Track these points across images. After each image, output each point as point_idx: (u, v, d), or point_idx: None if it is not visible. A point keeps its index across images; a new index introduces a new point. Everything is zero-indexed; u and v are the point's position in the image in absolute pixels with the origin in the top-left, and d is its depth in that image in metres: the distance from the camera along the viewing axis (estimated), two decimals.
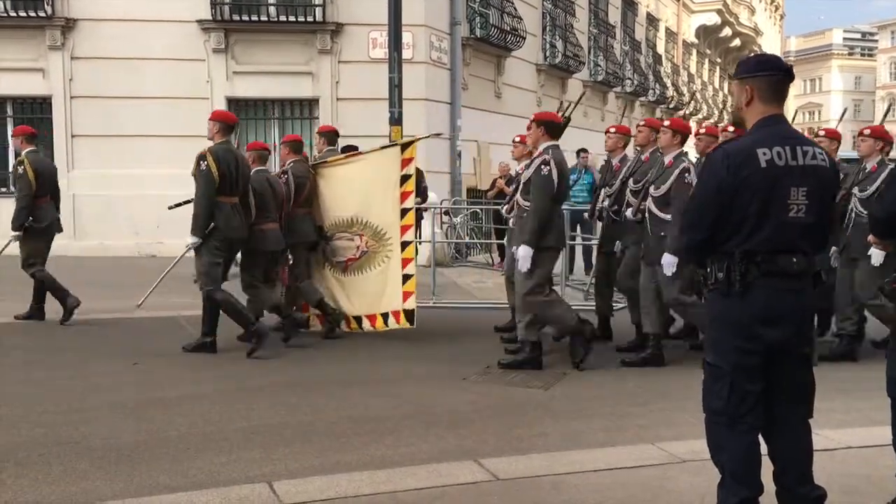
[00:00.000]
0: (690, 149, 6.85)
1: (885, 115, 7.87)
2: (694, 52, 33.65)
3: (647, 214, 6.24)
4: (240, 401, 5.14)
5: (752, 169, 2.81)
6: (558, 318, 6.12)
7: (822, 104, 73.07)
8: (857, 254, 6.27)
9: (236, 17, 13.36)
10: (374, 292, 7.16)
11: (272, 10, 13.53)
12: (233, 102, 13.53)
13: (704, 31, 33.39)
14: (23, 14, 13.15)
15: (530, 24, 17.08)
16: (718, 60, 37.72)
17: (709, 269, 2.94)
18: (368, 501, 3.51)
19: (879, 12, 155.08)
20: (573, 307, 7.46)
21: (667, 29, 29.83)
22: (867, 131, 6.65)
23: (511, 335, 6.74)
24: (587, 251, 10.66)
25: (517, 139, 7.51)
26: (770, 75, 2.94)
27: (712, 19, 32.62)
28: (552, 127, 6.11)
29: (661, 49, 28.62)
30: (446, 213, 12.87)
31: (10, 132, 11.67)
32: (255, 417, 4.79)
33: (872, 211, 3.39)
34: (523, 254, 5.87)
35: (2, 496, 3.55)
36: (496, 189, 12.60)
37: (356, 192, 7.28)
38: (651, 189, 6.19)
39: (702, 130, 7.18)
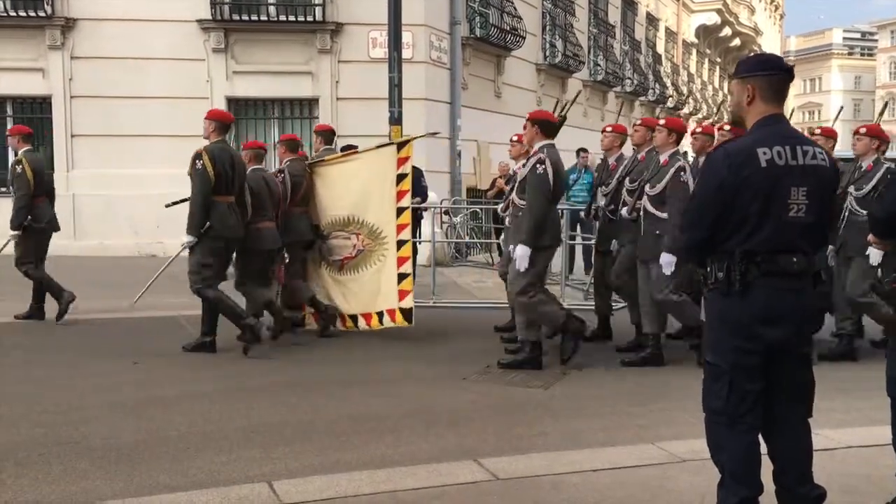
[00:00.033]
0: (686, 148, 6.87)
1: (881, 114, 7.87)
2: (694, 51, 33.65)
3: (642, 213, 6.25)
4: (240, 400, 5.14)
5: (753, 168, 2.81)
6: (546, 315, 6.10)
7: (822, 104, 73.05)
8: (852, 252, 6.27)
9: (236, 17, 13.35)
10: (370, 291, 7.17)
11: (272, 9, 13.52)
12: (233, 102, 13.52)
13: (704, 31, 33.39)
14: (22, 14, 13.14)
15: (530, 23, 17.07)
16: (718, 60, 37.72)
17: (709, 269, 2.94)
18: (368, 501, 3.51)
19: (879, 12, 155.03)
20: (573, 307, 7.47)
21: (666, 28, 29.83)
22: (863, 130, 6.64)
23: (511, 335, 6.74)
24: (587, 251, 10.65)
25: (515, 138, 7.51)
26: (772, 74, 2.94)
27: (712, 19, 32.62)
28: (547, 126, 6.11)
29: (660, 49, 28.62)
30: (446, 212, 12.86)
31: None
32: (255, 417, 4.80)
33: (872, 211, 3.39)
34: (521, 253, 5.87)
35: (2, 496, 3.55)
36: (496, 189, 12.60)
37: (352, 190, 7.28)
38: (647, 188, 6.19)
39: (698, 129, 7.19)
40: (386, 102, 10.67)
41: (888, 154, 6.98)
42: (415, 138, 7.71)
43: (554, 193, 6.02)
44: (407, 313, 6.97)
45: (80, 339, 7.04)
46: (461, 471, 3.86)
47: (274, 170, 7.67)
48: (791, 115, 8.47)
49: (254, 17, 13.45)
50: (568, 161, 12.48)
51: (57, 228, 7.83)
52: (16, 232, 7.45)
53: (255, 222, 6.75)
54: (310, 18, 13.41)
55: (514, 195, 6.22)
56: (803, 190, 2.84)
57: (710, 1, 32.29)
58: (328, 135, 8.10)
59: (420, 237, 9.98)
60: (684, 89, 30.08)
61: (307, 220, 7.36)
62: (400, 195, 7.04)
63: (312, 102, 13.71)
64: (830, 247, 6.43)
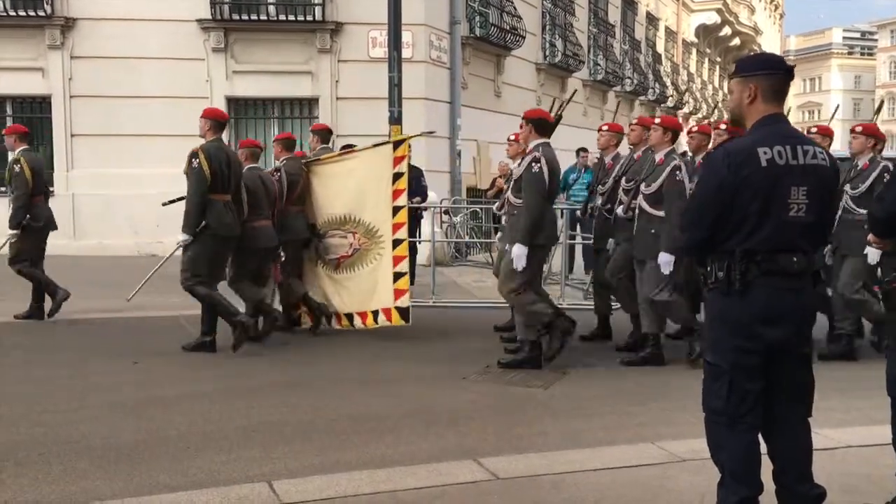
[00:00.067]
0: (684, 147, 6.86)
1: (878, 113, 7.86)
2: (694, 51, 33.65)
3: (637, 211, 6.25)
4: (240, 400, 5.14)
5: (753, 168, 2.81)
6: (534, 313, 6.07)
7: (822, 103, 73.01)
8: (846, 250, 6.28)
9: (236, 17, 13.35)
10: (366, 290, 7.17)
11: (272, 9, 13.52)
12: (232, 102, 13.53)
13: (704, 31, 33.38)
14: (22, 13, 13.15)
15: (530, 23, 17.07)
16: (718, 60, 37.71)
17: (709, 268, 2.93)
18: (368, 501, 3.51)
19: (879, 11, 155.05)
20: (573, 306, 7.46)
21: (666, 28, 29.83)
22: (859, 128, 6.64)
23: (511, 334, 6.74)
24: (587, 250, 10.64)
25: (512, 137, 7.52)
26: (774, 74, 2.93)
27: (712, 18, 32.61)
28: (541, 125, 6.11)
29: (660, 48, 28.62)
30: (446, 212, 12.86)
31: None
32: (255, 416, 4.80)
33: (872, 211, 3.38)
34: (518, 252, 5.87)
35: (1, 495, 3.55)
36: (496, 188, 12.59)
37: (349, 189, 7.29)
38: (642, 186, 6.19)
39: (694, 128, 7.19)
40: (386, 102, 10.67)
41: (885, 153, 6.98)
42: (410, 137, 7.72)
43: (550, 192, 6.02)
44: (403, 312, 6.97)
45: (80, 339, 7.04)
46: (461, 470, 3.86)
47: (270, 168, 7.68)
48: (788, 114, 8.45)
49: (253, 17, 13.45)
50: (568, 160, 12.50)
51: (54, 227, 7.84)
52: (15, 231, 7.45)
53: (251, 220, 6.77)
54: (309, 18, 13.41)
55: (509, 194, 6.23)
56: (803, 189, 2.83)
57: (710, 0, 32.29)
58: (325, 134, 8.12)
59: (420, 237, 9.97)
60: (684, 89, 30.07)
61: (304, 218, 7.37)
62: (396, 194, 7.04)
63: (312, 102, 13.72)
64: (827, 245, 6.43)
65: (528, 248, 5.86)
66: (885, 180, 6.18)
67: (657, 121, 6.43)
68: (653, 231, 6.05)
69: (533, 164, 5.92)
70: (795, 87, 64.99)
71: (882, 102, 8.47)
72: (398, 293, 6.99)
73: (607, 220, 6.90)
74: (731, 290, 2.85)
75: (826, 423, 4.21)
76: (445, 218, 12.96)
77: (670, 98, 27.70)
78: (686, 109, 30.20)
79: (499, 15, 15.90)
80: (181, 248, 6.39)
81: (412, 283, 9.36)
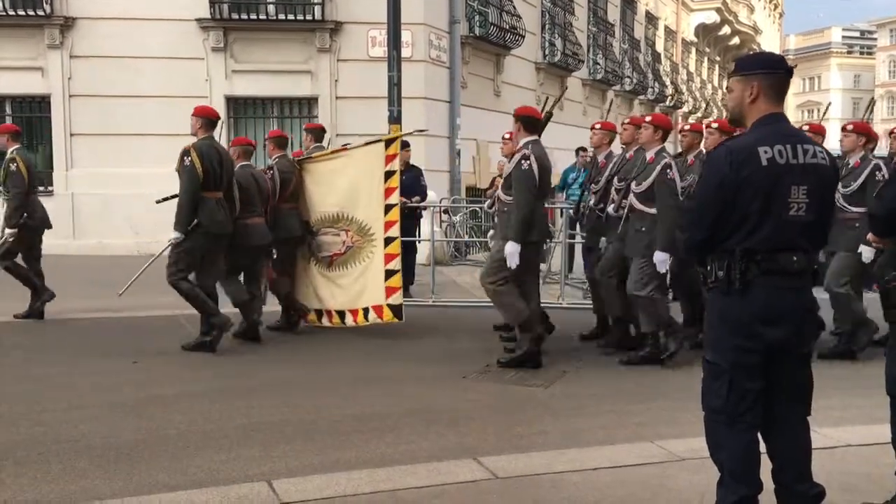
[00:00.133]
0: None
1: (871, 112, 7.84)
2: (693, 50, 33.65)
3: (627, 210, 6.25)
4: (239, 399, 5.14)
5: (754, 167, 2.80)
6: (510, 307, 6.08)
7: (822, 102, 72.87)
8: (835, 247, 6.28)
9: (235, 16, 13.35)
10: (358, 287, 7.18)
11: (271, 8, 13.52)
12: (231, 101, 13.54)
13: (704, 30, 33.39)
14: (21, 13, 13.15)
15: (529, 22, 17.07)
16: (717, 59, 37.72)
17: (709, 268, 2.93)
18: (368, 500, 3.51)
19: (878, 10, 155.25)
20: (572, 306, 7.45)
21: (666, 27, 29.84)
22: (850, 127, 6.64)
23: (510, 334, 6.73)
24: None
25: (507, 136, 7.52)
26: (775, 73, 2.93)
27: (711, 17, 32.62)
28: (529, 122, 6.12)
29: (660, 47, 28.63)
30: (445, 211, 12.86)
31: None
32: (255, 415, 4.79)
33: (871, 210, 3.38)
34: (511, 250, 5.86)
35: (1, 495, 3.55)
36: (495, 187, 12.57)
37: (342, 187, 7.30)
38: (633, 185, 6.19)
39: (686, 126, 7.19)
40: (385, 101, 10.66)
41: (877, 152, 6.97)
42: (402, 136, 7.74)
43: (540, 189, 6.01)
44: (396, 309, 6.97)
45: (80, 339, 7.04)
46: (461, 469, 3.86)
47: (263, 166, 7.70)
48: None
49: (253, 16, 13.45)
50: (567, 160, 12.50)
51: (49, 226, 7.85)
52: (13, 230, 7.45)
53: (243, 218, 6.79)
54: (309, 17, 13.41)
55: (500, 191, 6.24)
56: (804, 188, 2.83)
57: (709, 0, 32.31)
58: (318, 133, 8.14)
59: (419, 236, 9.98)
60: (683, 88, 30.07)
61: (297, 216, 7.39)
62: (388, 192, 7.05)
63: (312, 101, 13.72)
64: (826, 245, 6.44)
65: (520, 246, 5.85)
66: (876, 179, 6.19)
67: (647, 119, 6.43)
68: (643, 229, 6.06)
69: (522, 161, 5.92)
70: (795, 86, 64.99)
71: (872, 100, 8.47)
72: (390, 291, 7.00)
73: (599, 218, 6.91)
74: (731, 289, 2.85)
75: (825, 421, 4.21)
76: (445, 217, 12.95)
77: (669, 97, 27.70)
78: (685, 109, 30.22)
79: (498, 14, 15.90)
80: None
81: (412, 282, 9.41)
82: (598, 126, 7.30)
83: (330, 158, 7.53)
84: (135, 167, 12.81)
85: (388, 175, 7.05)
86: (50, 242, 7.91)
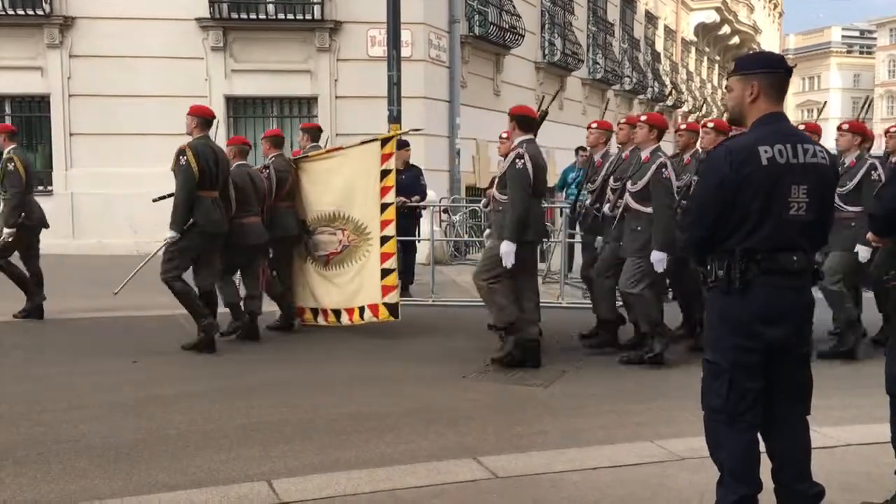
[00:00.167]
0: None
1: (866, 111, 7.81)
2: (693, 49, 33.65)
3: (622, 209, 6.25)
4: (239, 399, 5.13)
5: (754, 166, 2.80)
6: (499, 307, 6.06)
7: (821, 102, 73.09)
8: (830, 246, 6.27)
9: (234, 15, 13.35)
10: (354, 286, 7.19)
11: (270, 7, 13.52)
12: (231, 101, 13.54)
13: (703, 29, 33.39)
14: (21, 12, 13.14)
15: (529, 21, 17.06)
16: (717, 58, 37.72)
17: (709, 267, 2.93)
18: (368, 500, 3.51)
19: (878, 10, 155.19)
20: (572, 305, 7.45)
21: (665, 27, 29.84)
22: (845, 126, 6.62)
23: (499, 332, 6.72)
24: None
25: (504, 135, 7.51)
26: (775, 73, 2.93)
27: (711, 17, 32.62)
28: (524, 121, 6.12)
29: (659, 47, 28.63)
30: (445, 211, 12.86)
31: None
32: (255, 415, 4.79)
33: (870, 209, 3.38)
34: (506, 249, 5.85)
35: (1, 494, 3.55)
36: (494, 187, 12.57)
37: (338, 186, 7.31)
38: (628, 184, 6.19)
39: (682, 126, 7.19)
40: (385, 101, 10.67)
41: (873, 152, 6.97)
42: (397, 135, 7.74)
43: (535, 188, 5.99)
44: (392, 308, 6.98)
45: (80, 338, 7.04)
46: (461, 469, 3.86)
47: (259, 165, 7.71)
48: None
49: (252, 16, 13.44)
50: (567, 159, 12.50)
51: (46, 225, 7.85)
52: (11, 230, 7.45)
53: (240, 217, 6.80)
54: (308, 17, 13.41)
55: (494, 190, 6.23)
56: (804, 188, 2.83)
57: None
58: (314, 132, 8.15)
59: (419, 236, 9.98)
60: (683, 87, 30.07)
61: (294, 215, 7.40)
62: (384, 191, 7.06)
63: (311, 101, 13.72)
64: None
65: (515, 245, 5.84)
66: (871, 178, 6.19)
67: (642, 118, 6.43)
68: (638, 228, 6.06)
69: (517, 160, 5.92)
70: (794, 85, 65.00)
71: (867, 99, 8.44)
72: (386, 289, 7.00)
73: (596, 217, 6.91)
74: (731, 288, 2.85)
75: (825, 421, 4.21)
76: (444, 217, 12.95)
77: (669, 97, 27.71)
78: (685, 108, 30.21)
79: (498, 14, 15.90)
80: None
81: (412, 282, 9.41)
82: (594, 125, 7.30)
83: (326, 158, 7.54)
84: (134, 167, 12.80)
85: (384, 174, 7.05)
86: (49, 242, 7.90)
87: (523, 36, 16.32)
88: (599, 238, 6.86)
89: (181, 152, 6.35)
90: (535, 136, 6.18)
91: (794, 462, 2.96)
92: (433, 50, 13.86)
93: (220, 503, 3.45)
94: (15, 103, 13.72)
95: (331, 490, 3.58)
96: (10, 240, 7.49)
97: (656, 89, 26.27)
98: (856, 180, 6.27)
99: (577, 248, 10.87)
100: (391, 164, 7.09)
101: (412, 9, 12.32)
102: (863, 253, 6.09)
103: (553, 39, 18.83)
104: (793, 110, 67.99)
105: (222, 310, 6.84)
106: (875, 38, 74.87)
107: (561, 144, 14.98)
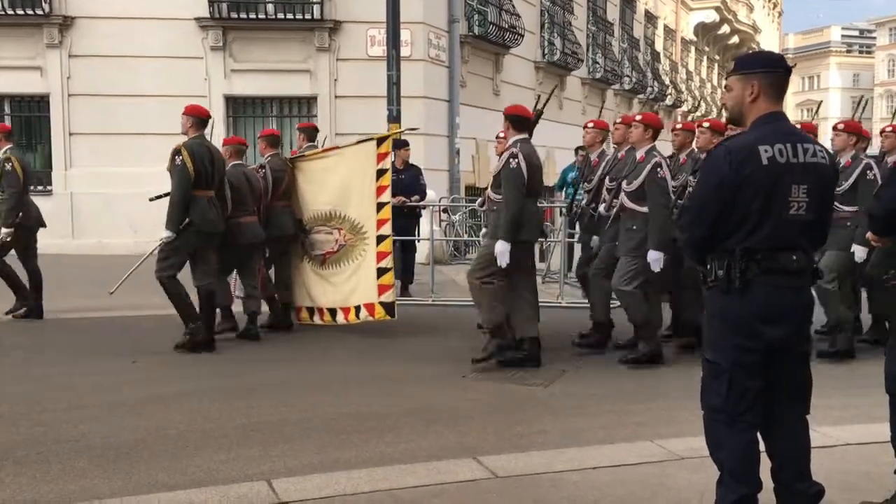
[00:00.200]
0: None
1: (862, 111, 7.79)
2: (692, 49, 33.66)
3: (617, 209, 6.25)
4: (239, 398, 5.13)
5: (754, 166, 2.80)
6: (488, 308, 6.04)
7: (821, 101, 73.11)
8: (826, 246, 6.26)
9: (234, 15, 13.35)
10: (350, 285, 7.19)
11: (270, 7, 13.52)
12: (231, 100, 13.54)
13: (703, 29, 33.41)
14: (20, 12, 13.14)
15: (529, 21, 17.07)
16: (717, 58, 37.73)
17: (709, 267, 2.93)
18: (367, 499, 3.50)
19: (877, 9, 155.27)
20: (572, 305, 7.44)
21: (665, 26, 29.84)
22: (841, 126, 6.61)
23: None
24: None
25: (501, 135, 7.51)
26: (774, 72, 2.92)
27: (711, 17, 32.64)
28: (518, 120, 6.12)
29: (659, 46, 28.64)
30: (445, 210, 12.86)
31: None
32: (255, 415, 4.79)
33: (870, 209, 3.38)
34: (501, 249, 5.83)
35: (0, 494, 3.55)
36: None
37: (334, 186, 7.32)
38: (623, 184, 6.19)
39: (678, 125, 7.19)
40: (384, 100, 10.68)
41: (869, 151, 6.96)
42: (393, 134, 7.74)
43: (530, 187, 5.98)
44: (388, 307, 6.98)
45: (79, 338, 7.04)
46: (460, 469, 3.86)
47: (255, 165, 7.71)
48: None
49: (252, 16, 13.44)
50: (567, 159, 12.50)
51: (43, 225, 7.85)
52: (9, 230, 7.45)
53: (236, 217, 6.81)
54: (308, 16, 13.41)
55: (489, 190, 6.24)
56: (804, 188, 2.83)
57: None
58: (311, 132, 8.16)
59: (419, 235, 9.98)
60: (682, 87, 30.08)
61: (290, 214, 7.41)
62: (380, 190, 7.06)
63: (311, 100, 13.72)
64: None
65: (510, 245, 5.83)
66: (867, 178, 6.18)
67: (637, 118, 6.42)
68: (634, 228, 6.06)
69: (511, 160, 5.91)
70: (794, 85, 64.89)
71: (862, 98, 8.43)
72: (382, 288, 7.00)
73: (592, 217, 6.91)
74: (730, 288, 2.85)
75: (825, 420, 4.22)
76: (444, 216, 12.95)
77: (669, 96, 27.71)
78: (685, 108, 30.21)
79: (497, 13, 15.90)
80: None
81: (411, 281, 9.41)
82: (590, 125, 7.30)
83: (322, 157, 7.55)
84: (133, 166, 12.80)
85: (380, 173, 7.05)
86: (49, 242, 7.91)
87: (523, 35, 16.32)
88: (595, 238, 6.87)
89: (177, 152, 6.36)
90: (531, 135, 6.17)
91: (794, 461, 2.96)
92: (433, 49, 13.86)
93: (220, 503, 3.45)
94: (14, 103, 13.73)
95: (330, 490, 3.58)
96: (7, 239, 7.50)
97: (656, 89, 26.27)
98: (851, 180, 6.26)
99: (577, 248, 10.90)
100: (387, 163, 7.10)
101: (412, 8, 12.32)
102: (859, 253, 6.09)
103: (552, 39, 18.83)
104: (792, 110, 67.98)
105: (237, 308, 6.84)
106: (874, 38, 74.89)
107: (560, 144, 14.99)
